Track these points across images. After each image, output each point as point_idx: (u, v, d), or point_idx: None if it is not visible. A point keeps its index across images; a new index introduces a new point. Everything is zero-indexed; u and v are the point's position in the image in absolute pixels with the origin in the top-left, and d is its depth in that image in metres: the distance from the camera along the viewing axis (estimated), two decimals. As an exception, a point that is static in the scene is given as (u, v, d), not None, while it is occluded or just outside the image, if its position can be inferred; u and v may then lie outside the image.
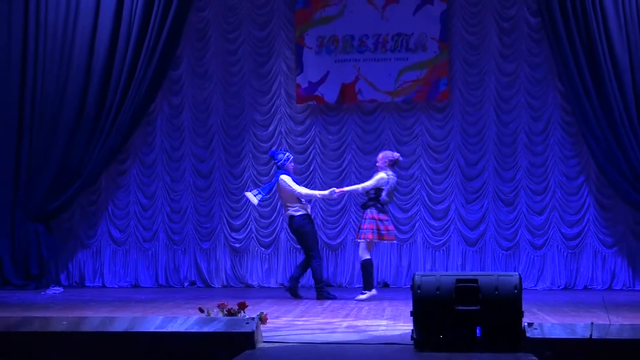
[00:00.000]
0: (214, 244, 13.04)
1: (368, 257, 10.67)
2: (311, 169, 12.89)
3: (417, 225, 12.85)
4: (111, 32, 12.55)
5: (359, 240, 10.74)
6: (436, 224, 12.82)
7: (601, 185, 12.47)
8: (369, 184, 10.76)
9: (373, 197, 10.64)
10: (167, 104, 13.11)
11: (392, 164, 10.81)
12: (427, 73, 12.68)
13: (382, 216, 10.62)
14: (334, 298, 10.71)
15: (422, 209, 12.85)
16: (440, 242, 12.81)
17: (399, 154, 11.05)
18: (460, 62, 12.80)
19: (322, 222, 12.78)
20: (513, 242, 12.68)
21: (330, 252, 12.76)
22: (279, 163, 10.97)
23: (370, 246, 10.72)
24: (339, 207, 12.77)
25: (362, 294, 10.59)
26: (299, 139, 12.99)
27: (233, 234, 13.02)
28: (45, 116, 12.65)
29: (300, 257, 11.73)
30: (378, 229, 10.56)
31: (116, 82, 12.57)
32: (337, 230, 12.86)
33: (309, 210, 10.97)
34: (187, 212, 13.07)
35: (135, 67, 12.55)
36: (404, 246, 12.86)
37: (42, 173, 12.61)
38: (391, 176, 10.73)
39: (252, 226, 13.02)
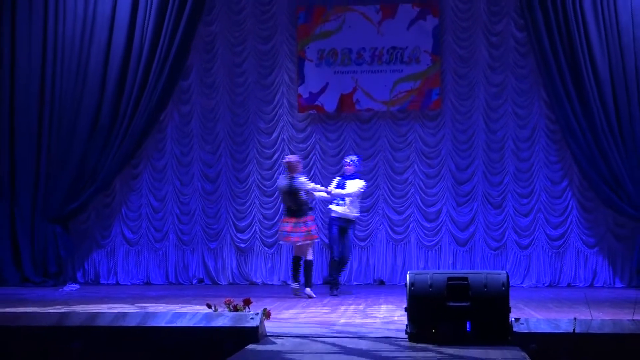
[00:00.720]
0: (221, 244, 13.04)
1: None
2: (312, 173, 12.88)
3: (411, 226, 12.84)
4: (124, 45, 12.55)
5: (298, 243, 10.66)
6: (429, 225, 12.82)
7: (583, 189, 12.46)
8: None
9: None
10: (177, 112, 13.11)
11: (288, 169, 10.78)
12: (420, 84, 12.69)
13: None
14: (336, 295, 10.72)
15: (415, 211, 12.84)
16: (433, 242, 12.80)
17: (293, 157, 11.05)
18: (451, 73, 12.80)
19: (321, 225, 12.76)
20: (501, 242, 12.67)
21: (329, 252, 12.71)
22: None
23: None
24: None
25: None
26: (300, 145, 12.98)
27: (238, 235, 13.02)
28: (63, 124, 12.64)
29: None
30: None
31: (129, 92, 12.56)
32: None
33: (335, 213, 10.95)
34: (195, 214, 13.06)
35: (147, 78, 12.55)
36: (399, 246, 12.85)
37: (59, 178, 12.61)
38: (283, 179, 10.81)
39: (257, 227, 13.01)
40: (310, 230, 10.62)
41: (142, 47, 12.55)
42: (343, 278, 12.58)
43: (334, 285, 10.90)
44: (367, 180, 12.69)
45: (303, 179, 10.81)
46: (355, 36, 12.74)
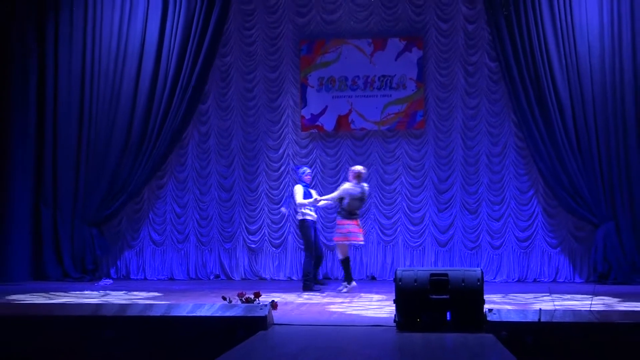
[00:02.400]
0: (235, 245, 13.01)
1: (341, 257, 10.42)
2: (313, 184, 12.86)
3: (398, 229, 12.82)
4: (152, 74, 12.56)
5: (333, 242, 10.51)
6: (414, 229, 12.79)
7: (547, 197, 12.44)
8: (334, 194, 10.59)
9: (339, 206, 10.39)
10: (197, 131, 13.10)
11: (356, 177, 10.44)
12: (406, 107, 12.69)
13: (345, 221, 10.29)
14: (318, 290, 10.41)
15: (402, 216, 12.82)
16: (417, 243, 12.77)
17: (361, 167, 10.73)
18: (434, 98, 12.80)
19: (322, 227, 12.75)
20: (476, 243, 12.64)
21: (328, 252, 12.71)
22: (297, 176, 11.04)
23: (343, 247, 10.39)
24: (335, 215, 12.70)
25: (344, 286, 10.34)
26: (303, 160, 12.96)
27: (250, 237, 12.99)
28: (99, 142, 12.64)
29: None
30: (342, 233, 10.27)
31: (155, 114, 12.57)
32: (333, 233, 12.80)
33: (311, 217, 10.75)
34: (212, 219, 13.04)
35: (171, 102, 12.56)
36: (388, 246, 12.82)
37: (96, 188, 12.60)
38: (353, 187, 10.36)
39: (265, 230, 12.99)
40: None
41: (166, 76, 12.56)
42: (341, 274, 12.52)
43: (315, 282, 10.68)
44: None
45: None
46: (350, 66, 12.74)
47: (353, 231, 10.32)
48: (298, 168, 11.32)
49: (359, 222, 10.55)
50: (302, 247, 10.90)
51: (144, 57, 12.58)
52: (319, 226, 12.60)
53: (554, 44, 12.03)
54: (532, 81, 12.09)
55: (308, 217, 10.71)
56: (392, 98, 12.68)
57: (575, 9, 12.04)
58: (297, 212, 10.89)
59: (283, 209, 11.67)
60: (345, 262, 10.41)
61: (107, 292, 10.45)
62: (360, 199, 10.44)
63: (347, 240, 10.36)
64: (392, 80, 12.68)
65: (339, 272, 12.47)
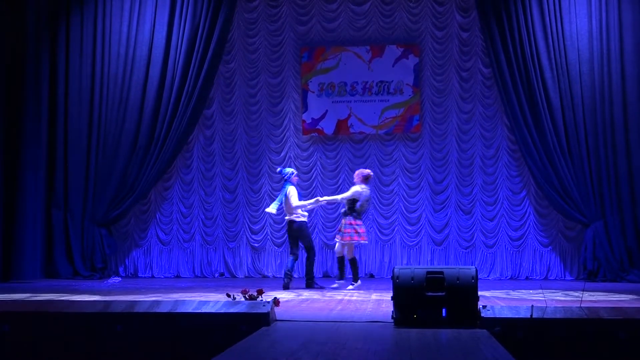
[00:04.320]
0: (238, 244, 13.02)
1: (351, 256, 10.28)
2: (313, 185, 12.89)
3: (396, 229, 12.83)
4: (159, 79, 12.57)
5: (343, 242, 10.19)
6: (411, 228, 12.80)
7: (539, 198, 12.45)
8: (345, 195, 10.38)
9: (350, 207, 10.20)
10: (202, 135, 13.11)
11: (365, 179, 10.39)
12: (403, 111, 12.70)
13: (357, 221, 10.19)
14: (321, 288, 10.25)
15: (399, 216, 12.82)
16: (414, 242, 12.78)
17: (369, 171, 10.67)
18: (429, 103, 12.81)
19: (322, 227, 12.77)
20: (470, 242, 12.65)
21: (328, 251, 12.72)
22: (285, 177, 10.60)
23: (351, 247, 10.26)
24: (335, 214, 12.73)
25: (351, 284, 10.25)
26: (304, 162, 12.99)
27: (253, 236, 13.00)
28: (108, 145, 12.65)
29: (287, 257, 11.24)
30: (357, 233, 10.14)
31: (162, 118, 12.58)
32: (333, 233, 12.79)
33: (305, 218, 10.54)
34: (217, 219, 13.05)
35: (177, 107, 12.57)
36: (386, 245, 12.83)
37: (105, 189, 12.61)
38: (365, 189, 10.30)
39: (268, 230, 13.00)
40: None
41: (173, 82, 12.57)
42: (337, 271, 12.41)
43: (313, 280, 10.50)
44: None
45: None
46: (349, 72, 12.75)
47: (364, 231, 10.32)
48: (282, 169, 10.81)
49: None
50: (304, 246, 10.60)
51: (152, 63, 12.59)
52: (320, 226, 12.63)
53: (544, 50, 12.04)
54: (523, 86, 12.10)
55: (303, 219, 10.44)
56: (389, 103, 12.70)
57: (565, 17, 12.06)
58: (290, 214, 10.40)
59: (272, 209, 10.55)
60: (355, 261, 10.33)
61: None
62: (369, 200, 10.46)
63: (364, 240, 10.40)
64: (389, 86, 12.69)
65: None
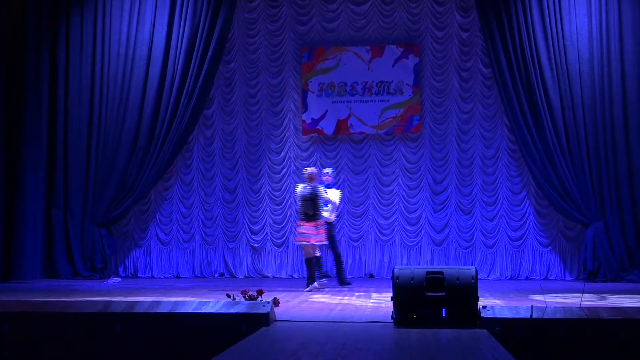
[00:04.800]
0: (238, 244, 13.01)
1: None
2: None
3: (395, 229, 12.82)
4: (159, 79, 12.56)
5: (317, 244, 10.13)
6: (411, 229, 12.79)
7: (539, 198, 12.45)
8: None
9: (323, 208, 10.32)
10: (202, 135, 13.11)
11: (309, 179, 10.30)
12: (403, 111, 12.70)
13: (300, 222, 10.23)
14: (320, 287, 10.15)
15: (399, 216, 12.82)
16: (414, 242, 12.77)
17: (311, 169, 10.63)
18: (429, 103, 12.81)
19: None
20: (470, 242, 12.64)
21: (327, 250, 12.68)
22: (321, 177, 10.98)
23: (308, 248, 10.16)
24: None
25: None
26: (304, 162, 12.96)
27: (253, 236, 13.00)
28: (108, 145, 12.65)
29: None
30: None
31: (162, 118, 12.57)
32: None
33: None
34: (217, 219, 13.04)
35: (177, 107, 12.56)
36: (386, 245, 12.83)
37: (105, 189, 12.60)
38: (302, 187, 10.29)
39: (268, 230, 12.99)
40: (323, 233, 10.23)
41: (173, 82, 12.57)
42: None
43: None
44: (359, 191, 12.76)
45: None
46: (349, 72, 12.75)
47: (302, 232, 10.23)
48: (321, 170, 11.27)
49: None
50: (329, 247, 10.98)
51: (152, 63, 12.58)
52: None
53: (544, 50, 12.04)
54: (523, 86, 12.10)
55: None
56: (389, 103, 12.69)
57: (565, 17, 12.06)
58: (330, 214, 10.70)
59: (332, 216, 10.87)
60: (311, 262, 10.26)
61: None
62: (305, 199, 10.23)
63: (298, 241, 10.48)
64: (389, 86, 12.69)
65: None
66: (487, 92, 12.64)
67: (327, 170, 11.46)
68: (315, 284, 10.09)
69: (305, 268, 10.46)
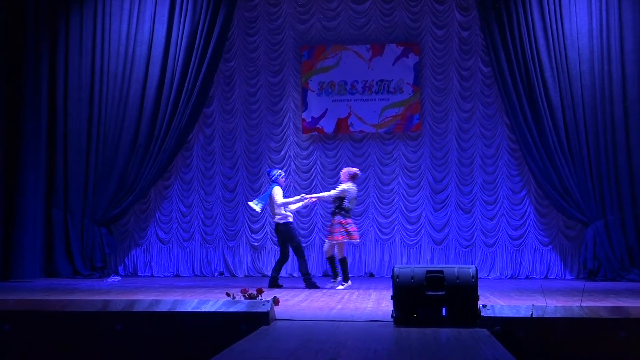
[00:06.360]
0: (238, 243, 13.02)
1: (341, 255, 10.06)
2: (313, 184, 12.89)
3: (396, 228, 12.83)
4: (159, 78, 12.56)
5: (332, 242, 9.99)
6: (411, 227, 12.80)
7: (539, 197, 12.46)
8: (332, 193, 10.20)
9: (338, 205, 10.01)
10: (202, 134, 13.11)
11: (352, 177, 10.22)
12: (403, 110, 12.70)
13: (347, 220, 10.00)
14: (317, 287, 10.10)
15: (399, 215, 12.83)
16: (414, 241, 12.78)
17: (357, 169, 10.54)
18: (429, 101, 12.81)
19: (322, 226, 12.73)
20: (470, 241, 12.65)
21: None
22: (272, 178, 10.44)
23: (341, 246, 10.04)
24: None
25: (341, 284, 10.04)
26: (304, 161, 12.99)
27: (253, 235, 13.00)
28: (107, 144, 12.65)
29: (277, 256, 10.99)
30: (347, 232, 9.92)
31: (162, 117, 12.57)
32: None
33: (291, 219, 10.40)
34: (217, 218, 13.05)
35: (177, 106, 12.56)
36: (386, 244, 12.83)
37: (105, 188, 12.60)
38: (352, 187, 10.15)
39: (268, 229, 12.98)
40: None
41: (172, 81, 12.57)
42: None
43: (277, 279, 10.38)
44: (359, 190, 12.66)
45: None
46: (349, 71, 12.76)
47: (355, 230, 10.15)
48: (270, 170, 10.71)
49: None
50: (292, 246, 10.36)
51: (151, 61, 12.58)
52: (320, 226, 12.62)
53: (545, 49, 12.04)
54: (524, 85, 12.10)
55: (289, 219, 10.33)
56: (389, 102, 12.70)
57: (565, 15, 12.06)
58: (276, 215, 10.26)
59: (256, 206, 10.40)
60: (345, 261, 10.16)
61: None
62: (355, 198, 10.36)
63: (355, 239, 10.19)
64: (389, 85, 12.69)
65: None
66: (487, 91, 12.65)
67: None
68: (349, 281, 10.09)
69: (337, 265, 10.17)
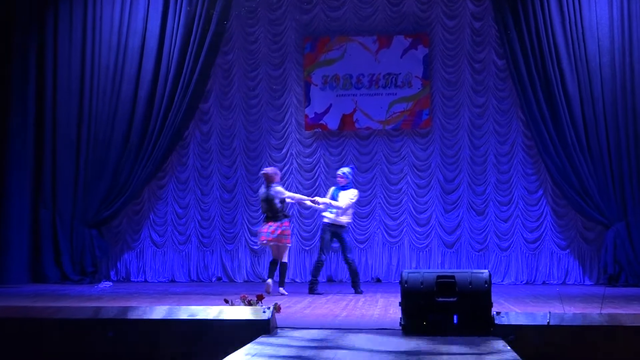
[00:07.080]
0: (237, 246, 13.03)
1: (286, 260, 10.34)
2: (317, 184, 12.89)
3: (404, 230, 12.82)
4: (153, 72, 12.58)
5: (288, 245, 10.29)
6: (420, 230, 12.79)
7: (556, 197, 12.44)
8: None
9: (282, 208, 10.31)
10: (199, 131, 13.12)
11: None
12: (412, 105, 12.69)
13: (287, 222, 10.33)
14: (321, 293, 10.26)
15: (408, 217, 12.82)
16: (424, 244, 12.77)
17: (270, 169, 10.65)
18: (440, 96, 12.80)
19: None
20: (484, 244, 12.64)
21: (332, 253, 12.69)
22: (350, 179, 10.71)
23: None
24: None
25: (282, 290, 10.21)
26: (307, 159, 12.99)
27: (252, 238, 13.00)
28: (98, 142, 12.66)
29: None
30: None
31: (157, 113, 12.58)
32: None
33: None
34: (214, 220, 13.06)
35: (172, 101, 12.57)
36: (394, 247, 12.83)
37: (95, 188, 12.62)
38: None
39: (268, 231, 12.98)
40: (285, 234, 10.20)
41: (167, 75, 12.58)
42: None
43: (315, 284, 10.47)
44: (365, 190, 12.71)
45: (279, 188, 10.46)
46: (355, 63, 12.76)
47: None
48: (354, 169, 11.18)
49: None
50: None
51: (145, 54, 12.60)
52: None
53: (562, 41, 12.02)
54: (540, 78, 12.08)
55: (324, 220, 10.60)
56: (397, 96, 12.69)
57: (584, 4, 12.04)
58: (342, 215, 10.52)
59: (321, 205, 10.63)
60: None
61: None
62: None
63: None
64: (397, 79, 12.69)
65: (344, 274, 12.42)
66: (501, 85, 12.64)
67: (341, 171, 10.80)
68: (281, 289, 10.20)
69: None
